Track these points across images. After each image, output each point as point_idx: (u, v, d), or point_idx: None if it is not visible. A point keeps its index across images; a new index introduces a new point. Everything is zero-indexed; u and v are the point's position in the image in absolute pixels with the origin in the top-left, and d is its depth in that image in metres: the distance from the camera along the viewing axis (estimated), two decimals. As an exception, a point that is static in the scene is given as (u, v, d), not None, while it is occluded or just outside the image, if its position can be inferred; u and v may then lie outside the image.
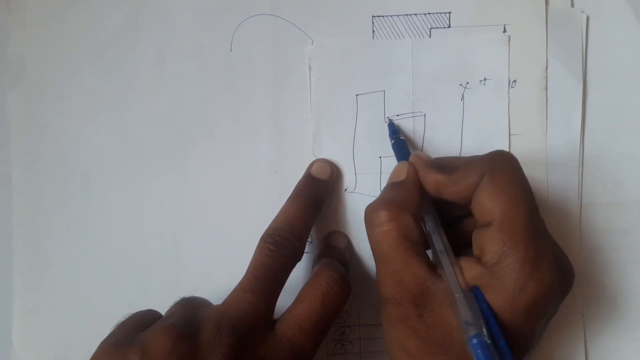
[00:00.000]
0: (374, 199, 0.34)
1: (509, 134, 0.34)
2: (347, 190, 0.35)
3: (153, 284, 0.35)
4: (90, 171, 0.35)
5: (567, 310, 0.34)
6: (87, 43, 0.35)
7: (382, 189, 0.35)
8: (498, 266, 0.25)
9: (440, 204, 0.29)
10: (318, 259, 0.33)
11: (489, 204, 0.25)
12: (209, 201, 0.35)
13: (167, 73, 0.35)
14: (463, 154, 0.34)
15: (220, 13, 0.35)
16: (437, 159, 0.30)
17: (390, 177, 0.30)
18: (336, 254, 0.33)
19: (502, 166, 0.26)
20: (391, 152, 0.34)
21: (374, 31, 0.34)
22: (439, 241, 0.27)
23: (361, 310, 0.35)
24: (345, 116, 0.35)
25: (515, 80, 0.34)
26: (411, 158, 0.30)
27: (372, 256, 0.28)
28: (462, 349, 0.25)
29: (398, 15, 0.34)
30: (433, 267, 0.27)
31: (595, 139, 0.35)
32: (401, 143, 0.32)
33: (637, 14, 0.34)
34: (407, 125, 0.34)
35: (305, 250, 0.33)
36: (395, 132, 0.33)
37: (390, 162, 0.34)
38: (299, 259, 0.30)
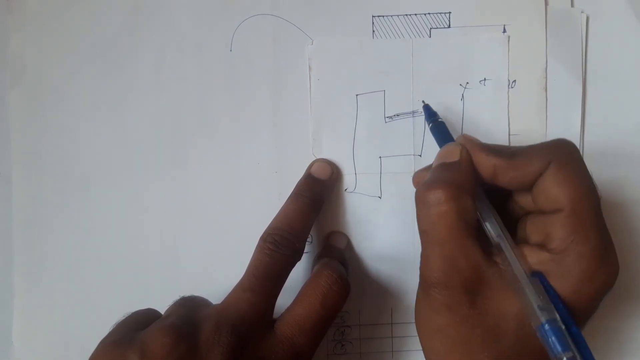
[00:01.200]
0: (375, 198, 0.35)
1: (509, 134, 0.34)
2: (347, 190, 0.35)
3: (153, 284, 0.35)
4: (90, 171, 0.35)
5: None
6: (87, 43, 0.35)
7: (382, 188, 0.35)
8: (566, 253, 0.25)
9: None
10: (318, 259, 0.33)
11: (557, 192, 0.25)
12: (209, 201, 0.35)
13: (167, 73, 0.35)
14: (463, 154, 0.34)
15: (220, 13, 0.35)
16: (487, 143, 0.28)
17: (440, 157, 0.29)
18: (336, 254, 0.33)
19: (571, 154, 0.26)
20: (391, 152, 0.34)
21: (374, 31, 0.34)
22: (496, 226, 0.27)
23: (361, 310, 0.35)
24: (345, 116, 0.35)
25: (515, 80, 0.34)
26: (460, 140, 0.29)
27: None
28: (518, 337, 0.25)
29: (398, 15, 0.34)
30: (488, 252, 0.26)
31: (595, 139, 0.35)
32: (441, 126, 0.31)
33: (637, 14, 0.34)
34: (407, 125, 0.34)
35: (305, 250, 0.33)
36: (432, 114, 0.32)
37: (390, 162, 0.34)
38: (298, 259, 0.30)
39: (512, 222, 0.29)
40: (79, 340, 0.35)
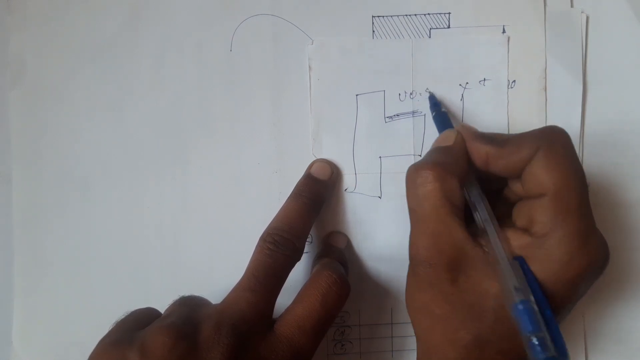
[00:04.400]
0: (375, 198, 0.35)
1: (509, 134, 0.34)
2: (347, 190, 0.35)
3: (153, 284, 0.35)
4: (91, 171, 0.35)
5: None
6: (87, 43, 0.35)
7: (382, 188, 0.35)
8: (547, 237, 0.25)
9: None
10: (318, 259, 0.33)
11: (543, 176, 0.25)
12: (209, 201, 0.35)
13: (167, 73, 0.35)
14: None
15: (220, 13, 0.35)
16: (483, 132, 0.29)
17: (437, 141, 0.30)
18: (336, 254, 0.33)
19: (559, 140, 0.26)
20: (391, 152, 0.34)
21: (374, 31, 0.34)
22: (483, 210, 0.27)
23: (361, 310, 0.35)
24: (345, 116, 0.35)
25: (514, 81, 0.34)
26: (458, 128, 0.30)
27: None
28: (497, 317, 0.25)
29: (398, 16, 0.34)
30: (472, 233, 0.27)
31: (595, 139, 0.35)
32: (444, 115, 0.32)
33: (637, 14, 0.34)
34: (407, 125, 0.34)
35: (305, 250, 0.33)
36: (436, 104, 0.33)
37: (390, 161, 0.35)
38: (298, 259, 0.30)
39: (507, 209, 0.29)
40: (79, 340, 0.35)
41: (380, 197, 0.35)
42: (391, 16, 0.34)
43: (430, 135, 0.34)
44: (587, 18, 0.34)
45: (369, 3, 0.34)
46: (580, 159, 0.34)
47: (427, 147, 0.34)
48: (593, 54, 0.34)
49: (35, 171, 0.35)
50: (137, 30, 0.35)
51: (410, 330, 0.35)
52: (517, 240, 0.26)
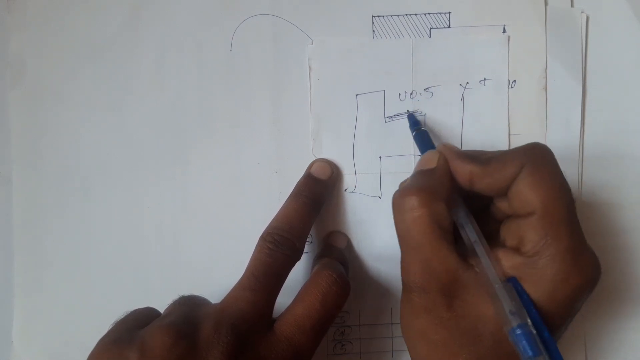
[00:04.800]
0: (375, 198, 0.35)
1: (509, 134, 0.34)
2: (347, 190, 0.35)
3: (153, 284, 0.35)
4: (91, 171, 0.35)
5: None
6: (87, 43, 0.35)
7: (382, 188, 0.35)
8: (538, 256, 0.25)
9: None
10: (318, 258, 0.33)
11: (530, 195, 0.25)
12: (209, 201, 0.35)
13: (167, 73, 0.35)
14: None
15: (220, 13, 0.35)
16: (466, 150, 0.29)
17: (419, 164, 0.30)
18: (336, 254, 0.33)
19: (543, 158, 0.26)
20: (391, 152, 0.34)
21: (374, 31, 0.34)
22: (472, 231, 0.27)
23: (361, 310, 0.35)
24: (345, 116, 0.35)
25: (514, 81, 0.34)
26: (439, 148, 0.29)
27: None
28: (495, 340, 0.25)
29: (398, 15, 0.34)
30: (463, 256, 0.26)
31: (595, 139, 0.35)
32: (423, 134, 0.32)
33: (637, 14, 0.34)
34: (407, 125, 0.34)
35: (305, 250, 0.33)
36: (416, 123, 0.33)
37: (390, 162, 0.35)
38: (298, 258, 0.30)
39: (495, 228, 0.29)
40: (79, 340, 0.35)
41: (380, 197, 0.35)
42: (391, 16, 0.34)
43: (430, 135, 0.34)
44: (587, 18, 0.34)
45: (369, 3, 0.34)
46: (580, 159, 0.34)
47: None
48: (593, 54, 0.34)
49: (35, 171, 0.35)
50: (137, 30, 0.35)
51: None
52: (509, 261, 0.26)
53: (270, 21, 0.34)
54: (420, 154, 0.31)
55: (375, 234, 0.35)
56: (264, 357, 0.27)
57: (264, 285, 0.28)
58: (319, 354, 0.35)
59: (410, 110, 0.34)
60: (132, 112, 0.35)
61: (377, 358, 0.36)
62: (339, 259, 0.32)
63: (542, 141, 0.34)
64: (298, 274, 0.33)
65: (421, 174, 0.29)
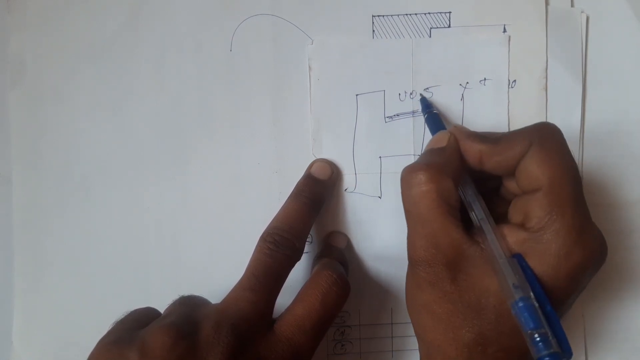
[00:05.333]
0: (375, 198, 0.35)
1: (509, 134, 0.34)
2: (347, 190, 0.35)
3: (153, 284, 0.35)
4: (91, 171, 0.35)
5: (567, 310, 0.34)
6: (87, 43, 0.35)
7: (382, 188, 0.35)
8: (543, 231, 0.25)
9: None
10: (318, 259, 0.33)
11: (537, 171, 0.26)
12: (209, 201, 0.35)
13: (167, 73, 0.35)
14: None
15: (220, 13, 0.35)
16: (476, 131, 0.30)
17: (430, 143, 0.30)
18: (336, 254, 0.33)
19: (551, 136, 0.27)
20: (391, 152, 0.34)
21: (374, 31, 0.34)
22: (479, 209, 0.28)
23: (361, 310, 0.35)
24: (345, 116, 0.35)
25: (515, 80, 0.34)
26: (451, 129, 0.30)
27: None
28: (498, 314, 0.25)
29: (398, 15, 0.34)
30: (469, 233, 0.27)
31: (595, 139, 0.35)
32: (435, 117, 0.33)
33: (637, 14, 0.34)
34: (407, 125, 0.34)
35: (305, 250, 0.33)
36: (428, 106, 0.33)
37: (390, 161, 0.34)
38: (298, 259, 0.30)
39: (504, 207, 0.29)
40: (79, 340, 0.35)
41: (380, 197, 0.35)
42: (391, 15, 0.34)
43: (430, 135, 0.34)
44: (587, 18, 0.34)
45: (369, 3, 0.34)
46: (580, 159, 0.34)
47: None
48: (593, 54, 0.34)
49: (35, 171, 0.35)
50: (137, 30, 0.35)
51: (410, 330, 0.35)
52: (514, 237, 0.26)
53: (270, 21, 0.34)
54: (431, 135, 0.31)
55: (375, 234, 0.35)
56: (264, 357, 0.27)
57: (264, 286, 0.28)
58: (319, 354, 0.35)
59: (410, 110, 0.34)
60: (132, 112, 0.35)
61: (377, 358, 0.36)
62: (339, 259, 0.32)
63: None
64: (298, 274, 0.33)
65: (431, 152, 0.29)
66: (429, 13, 0.34)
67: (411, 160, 0.34)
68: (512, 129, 0.34)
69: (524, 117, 0.34)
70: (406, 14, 0.34)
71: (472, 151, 0.28)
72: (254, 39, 0.35)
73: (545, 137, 0.26)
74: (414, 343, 0.35)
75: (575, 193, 0.26)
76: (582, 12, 0.34)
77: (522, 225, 0.26)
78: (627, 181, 0.35)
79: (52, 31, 0.35)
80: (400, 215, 0.34)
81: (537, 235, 0.25)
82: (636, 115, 0.35)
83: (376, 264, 0.35)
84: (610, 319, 0.35)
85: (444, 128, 0.31)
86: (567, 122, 0.34)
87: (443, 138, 0.29)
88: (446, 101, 0.34)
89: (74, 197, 0.35)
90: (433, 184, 0.27)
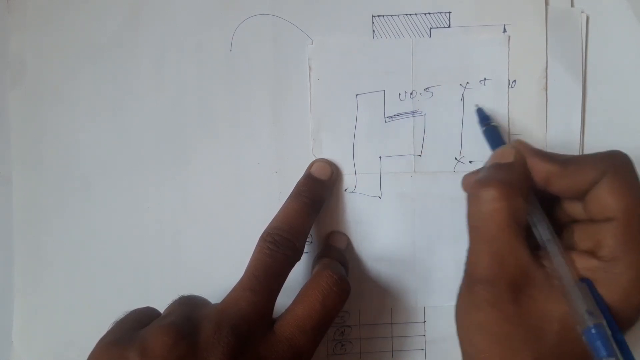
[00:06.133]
0: (375, 198, 0.35)
1: (509, 134, 0.34)
2: (347, 190, 0.35)
3: (153, 284, 0.35)
4: (91, 171, 0.35)
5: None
6: (87, 43, 0.35)
7: (382, 188, 0.35)
8: (615, 262, 0.25)
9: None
10: (318, 259, 0.33)
11: (612, 201, 0.25)
12: (209, 201, 0.35)
13: (167, 73, 0.35)
14: (463, 154, 0.34)
15: (220, 13, 0.35)
16: (541, 149, 0.29)
17: (494, 157, 0.29)
18: (336, 255, 0.33)
19: (626, 166, 0.26)
20: (391, 152, 0.34)
21: (374, 31, 0.34)
22: (546, 230, 0.27)
23: (361, 310, 0.35)
24: (345, 116, 0.35)
25: (515, 80, 0.34)
26: (515, 144, 0.29)
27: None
28: (560, 339, 0.25)
29: (398, 15, 0.34)
30: (536, 254, 0.27)
31: (595, 139, 0.35)
32: (494, 130, 0.32)
33: (637, 14, 0.34)
34: (407, 125, 0.34)
35: (305, 250, 0.33)
36: (486, 118, 0.33)
37: (390, 162, 0.34)
38: (298, 259, 0.30)
39: (557, 229, 0.29)
40: (79, 340, 0.35)
41: (380, 197, 0.35)
42: (391, 16, 0.34)
43: (430, 135, 0.34)
44: (587, 18, 0.34)
45: (369, 3, 0.34)
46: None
47: (427, 147, 0.34)
48: (593, 54, 0.34)
49: (35, 171, 0.35)
50: (137, 30, 0.35)
51: (410, 330, 0.35)
52: (583, 263, 0.26)
53: (270, 21, 0.34)
54: (490, 149, 0.31)
55: (375, 234, 0.35)
56: (264, 358, 0.27)
57: (264, 286, 0.28)
58: (319, 353, 0.35)
59: (410, 110, 0.34)
60: (132, 112, 0.35)
61: (377, 358, 0.36)
62: (339, 259, 0.32)
63: (542, 141, 0.34)
64: (298, 274, 0.33)
65: (499, 168, 0.28)
66: (429, 13, 0.34)
67: (411, 160, 0.34)
68: (512, 128, 0.34)
69: (524, 117, 0.34)
70: (406, 14, 0.34)
71: (540, 170, 0.27)
72: (254, 39, 0.35)
73: (620, 166, 0.26)
74: (414, 343, 0.35)
75: None
76: (582, 12, 0.34)
77: (591, 253, 0.26)
78: (627, 181, 0.35)
79: (52, 31, 0.35)
80: (400, 215, 0.35)
81: (608, 265, 0.25)
82: (636, 115, 0.35)
83: (376, 264, 0.35)
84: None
85: (504, 142, 0.31)
86: (567, 122, 0.34)
87: (509, 153, 0.28)
88: (446, 101, 0.34)
89: (74, 197, 0.35)
90: (505, 202, 0.26)
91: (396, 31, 0.34)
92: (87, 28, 0.35)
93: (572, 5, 0.34)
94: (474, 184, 0.27)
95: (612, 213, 0.25)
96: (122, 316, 0.29)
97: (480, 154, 0.34)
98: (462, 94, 0.34)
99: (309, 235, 0.34)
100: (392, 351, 0.36)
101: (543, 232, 0.27)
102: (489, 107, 0.34)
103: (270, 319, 0.29)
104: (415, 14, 0.34)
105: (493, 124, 0.32)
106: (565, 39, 0.34)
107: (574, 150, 0.34)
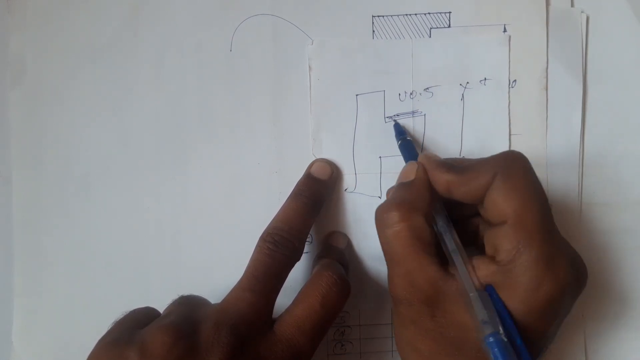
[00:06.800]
0: (375, 198, 0.35)
1: (509, 134, 0.34)
2: (347, 190, 0.35)
3: (153, 284, 0.35)
4: (91, 171, 0.35)
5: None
6: (87, 43, 0.35)
7: (382, 188, 0.35)
8: (512, 264, 0.25)
9: (447, 203, 0.29)
10: (318, 259, 0.33)
11: (502, 203, 0.25)
12: (209, 201, 0.35)
13: (167, 73, 0.35)
14: (463, 154, 0.34)
15: (220, 13, 0.35)
16: (446, 159, 0.30)
17: (399, 177, 0.30)
18: (336, 255, 0.33)
19: (515, 166, 0.26)
20: (391, 152, 0.34)
21: (374, 31, 0.34)
22: (451, 241, 0.27)
23: (361, 310, 0.35)
24: (345, 116, 0.35)
25: (515, 80, 0.34)
26: (420, 158, 0.30)
27: (382, 256, 0.28)
28: (478, 348, 0.25)
29: (398, 15, 0.34)
30: (445, 266, 0.27)
31: (595, 139, 0.35)
32: (408, 144, 0.33)
33: (637, 14, 0.34)
34: (407, 125, 0.34)
35: (305, 250, 0.33)
36: (401, 132, 0.33)
37: (390, 162, 0.34)
38: (298, 259, 0.30)
39: (480, 237, 0.29)
40: (79, 340, 0.35)
41: (380, 197, 0.35)
42: (391, 16, 0.34)
43: (430, 135, 0.34)
44: (587, 18, 0.34)
45: (369, 3, 0.34)
46: (580, 159, 0.34)
47: (427, 147, 0.34)
48: (593, 54, 0.34)
49: (35, 171, 0.35)
50: (137, 30, 0.35)
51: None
52: (485, 269, 0.26)
53: (270, 21, 0.34)
54: (405, 163, 0.32)
55: (375, 234, 0.34)
56: (263, 358, 0.27)
57: (264, 286, 0.28)
58: (319, 354, 0.35)
59: (410, 110, 0.34)
60: (132, 113, 0.35)
61: (377, 358, 0.36)
62: (339, 259, 0.32)
63: (542, 141, 0.34)
64: (298, 274, 0.33)
65: (401, 187, 0.29)
66: (429, 13, 0.34)
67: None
68: (512, 128, 0.34)
69: (524, 117, 0.34)
70: (406, 14, 0.34)
71: (440, 181, 0.28)
72: (254, 39, 0.35)
73: (510, 166, 0.26)
74: (414, 343, 0.35)
75: (542, 223, 0.25)
76: (582, 12, 0.34)
77: (492, 258, 0.26)
78: (627, 181, 0.35)
79: (52, 31, 0.35)
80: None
81: (506, 269, 0.25)
82: (636, 115, 0.35)
83: (376, 264, 0.35)
84: (610, 319, 0.35)
85: (416, 156, 0.31)
86: (567, 121, 0.34)
87: (411, 170, 0.29)
88: (446, 101, 0.34)
89: (74, 197, 0.35)
90: (404, 223, 0.27)
91: (396, 31, 0.34)
92: (87, 28, 0.35)
93: (572, 5, 0.34)
94: (377, 209, 0.28)
95: (504, 215, 0.25)
96: (122, 316, 0.29)
97: (480, 154, 0.34)
98: (462, 94, 0.34)
99: (309, 235, 0.34)
100: (392, 351, 0.36)
101: (449, 243, 0.27)
102: (489, 107, 0.34)
103: (270, 319, 0.29)
104: (415, 14, 0.34)
105: (408, 138, 0.33)
106: (565, 39, 0.34)
107: (575, 150, 0.34)
